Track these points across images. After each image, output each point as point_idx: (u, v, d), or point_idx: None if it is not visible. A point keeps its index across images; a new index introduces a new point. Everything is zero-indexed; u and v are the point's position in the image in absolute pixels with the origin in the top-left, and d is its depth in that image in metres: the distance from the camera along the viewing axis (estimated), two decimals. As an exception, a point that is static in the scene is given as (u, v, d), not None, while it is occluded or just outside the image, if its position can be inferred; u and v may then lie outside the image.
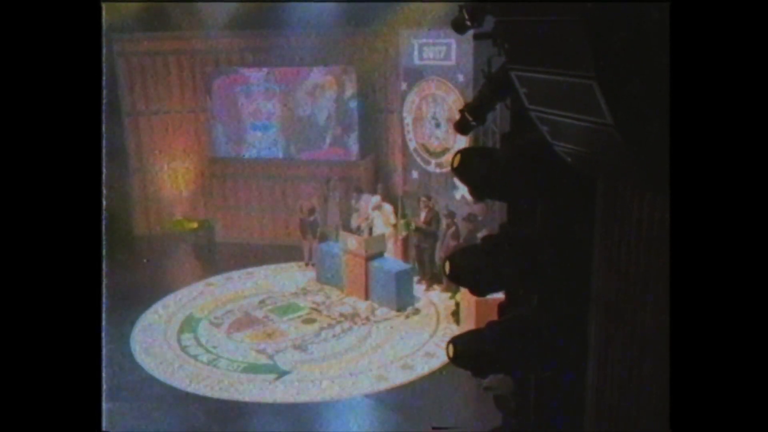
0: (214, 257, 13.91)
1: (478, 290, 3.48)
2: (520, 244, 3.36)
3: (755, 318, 1.90)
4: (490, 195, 3.43)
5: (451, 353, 3.31)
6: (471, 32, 3.27)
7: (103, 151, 2.44)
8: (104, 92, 2.44)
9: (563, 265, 3.28)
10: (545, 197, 3.25)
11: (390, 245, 11.79)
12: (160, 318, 11.10)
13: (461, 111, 3.26)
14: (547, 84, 2.27)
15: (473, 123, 3.24)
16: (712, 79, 1.91)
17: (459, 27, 3.14)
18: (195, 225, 14.63)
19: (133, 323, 10.79)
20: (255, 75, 13.91)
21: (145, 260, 13.02)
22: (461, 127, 3.29)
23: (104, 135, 2.42)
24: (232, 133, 14.19)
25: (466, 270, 3.30)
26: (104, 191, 2.45)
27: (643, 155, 2.15)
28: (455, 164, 3.02)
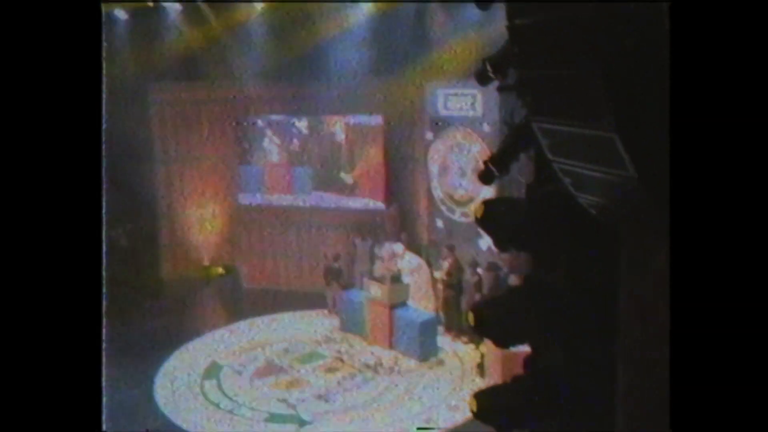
0: (240, 303, 13.95)
1: (503, 342, 3.42)
2: (545, 295, 3.31)
3: (756, 322, 1.86)
4: (514, 246, 3.40)
5: (474, 408, 3.24)
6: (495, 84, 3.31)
7: (103, 152, 2.37)
8: (103, 94, 2.39)
9: (589, 317, 3.22)
10: (569, 247, 3.22)
11: (415, 293, 11.70)
12: (183, 363, 11.09)
13: (484, 162, 3.27)
14: (569, 136, 2.27)
15: (496, 174, 3.24)
16: (712, 79, 1.89)
17: (482, 79, 3.18)
18: (221, 271, 14.76)
19: (157, 368, 10.80)
20: (284, 123, 14.19)
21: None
22: (484, 177, 3.30)
23: (104, 138, 2.37)
24: (261, 178, 14.41)
25: (490, 321, 3.25)
26: (104, 195, 2.36)
27: (666, 207, 2.12)
28: (478, 215, 3.01)
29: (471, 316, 3.11)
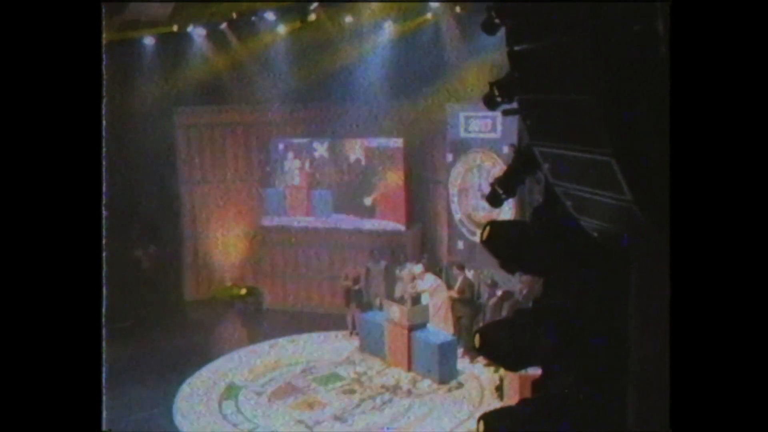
0: (261, 324, 14.02)
1: (510, 365, 3.41)
2: (554, 317, 3.30)
3: (756, 323, 1.84)
4: (520, 268, 3.40)
5: (481, 430, 3.23)
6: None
7: (103, 154, 2.32)
8: (104, 96, 2.35)
9: (599, 339, 3.20)
10: (578, 270, 3.21)
11: (434, 315, 11.65)
12: (203, 383, 11.15)
13: (491, 184, 3.29)
14: (568, 160, 2.29)
15: (503, 196, 3.26)
16: (711, 80, 1.88)
17: (490, 103, 3.21)
18: (244, 291, 14.87)
19: (177, 388, 10.87)
20: (305, 145, 14.34)
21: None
22: (492, 199, 3.32)
23: (104, 140, 2.32)
24: (282, 200, 14.56)
25: (497, 344, 3.25)
26: (104, 201, 2.30)
27: (665, 230, 2.12)
28: (484, 237, 3.03)
29: (477, 338, 3.11)
